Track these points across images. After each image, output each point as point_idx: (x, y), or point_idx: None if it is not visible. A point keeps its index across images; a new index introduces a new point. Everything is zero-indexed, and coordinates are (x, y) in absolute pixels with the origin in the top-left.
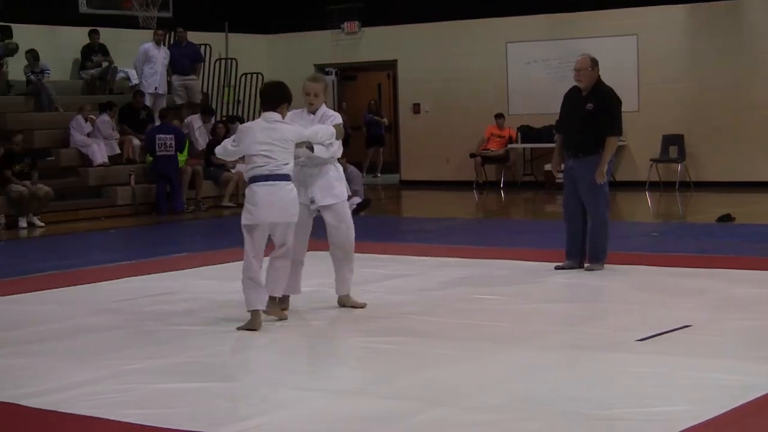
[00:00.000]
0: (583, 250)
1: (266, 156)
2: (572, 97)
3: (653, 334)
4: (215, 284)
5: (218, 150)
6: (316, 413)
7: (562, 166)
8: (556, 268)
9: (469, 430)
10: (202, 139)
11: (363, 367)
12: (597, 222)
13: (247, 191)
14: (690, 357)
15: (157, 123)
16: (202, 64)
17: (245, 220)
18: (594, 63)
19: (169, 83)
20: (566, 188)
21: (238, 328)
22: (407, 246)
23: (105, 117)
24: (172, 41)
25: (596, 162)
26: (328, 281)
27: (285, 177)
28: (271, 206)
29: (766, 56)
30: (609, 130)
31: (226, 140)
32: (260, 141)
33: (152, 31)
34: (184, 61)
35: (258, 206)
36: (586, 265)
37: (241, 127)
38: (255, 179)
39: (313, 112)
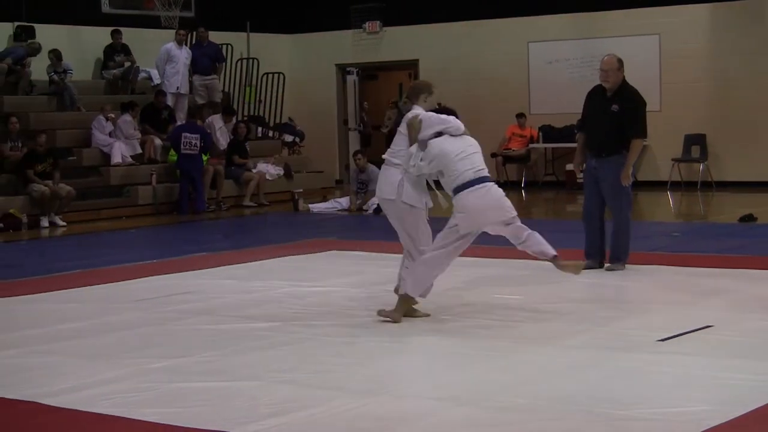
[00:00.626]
0: (602, 249)
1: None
2: (596, 97)
3: (675, 334)
4: (235, 284)
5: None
6: (335, 413)
7: (584, 165)
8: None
9: (491, 430)
10: (223, 139)
11: (383, 366)
12: (619, 222)
13: (457, 200)
14: (711, 357)
15: (179, 122)
16: (224, 63)
17: (464, 229)
18: (620, 63)
19: (191, 83)
20: (587, 187)
21: (380, 313)
22: None
23: (127, 117)
24: (194, 41)
25: (620, 162)
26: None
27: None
28: (487, 209)
29: None
30: (634, 132)
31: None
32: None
33: (174, 31)
34: (205, 61)
35: (474, 212)
36: (607, 265)
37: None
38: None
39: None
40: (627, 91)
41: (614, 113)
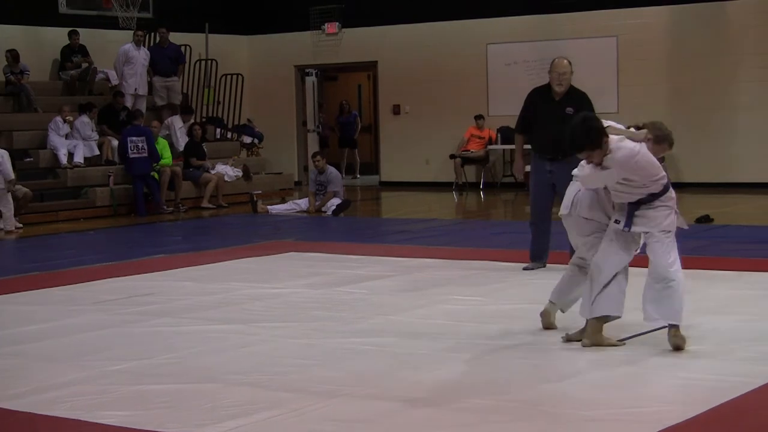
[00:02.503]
0: (548, 251)
1: None
2: (544, 99)
3: (634, 334)
4: (195, 286)
5: None
6: (296, 415)
7: (527, 168)
8: (525, 269)
9: (454, 431)
10: (182, 140)
11: (345, 367)
12: None
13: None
14: (670, 357)
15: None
16: (184, 65)
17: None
18: (572, 67)
19: (151, 84)
20: (539, 191)
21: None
22: (387, 247)
23: (84, 118)
24: (154, 42)
25: (575, 164)
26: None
27: None
28: None
29: (746, 57)
30: None
31: None
32: None
33: (132, 32)
34: (166, 62)
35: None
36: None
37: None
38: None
39: None
40: (577, 93)
41: (570, 116)
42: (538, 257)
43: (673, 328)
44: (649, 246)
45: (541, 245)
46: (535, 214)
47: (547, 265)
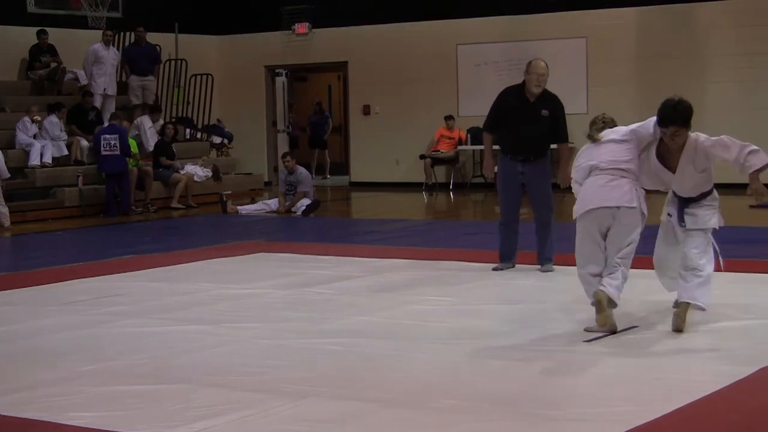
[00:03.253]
0: (516, 251)
1: None
2: (518, 100)
3: (601, 335)
4: (164, 286)
5: None
6: (267, 415)
7: (496, 168)
8: (495, 269)
9: (425, 431)
10: (152, 140)
11: (316, 368)
12: (548, 223)
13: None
14: (637, 357)
15: (107, 124)
16: (160, 64)
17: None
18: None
19: (126, 84)
20: (509, 192)
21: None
22: (357, 247)
23: (53, 118)
24: (129, 41)
25: (547, 165)
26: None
27: None
28: None
29: (715, 59)
30: (566, 136)
31: None
32: None
33: (101, 32)
34: (143, 61)
35: None
36: (546, 266)
37: None
38: None
39: None
40: (551, 95)
41: (545, 118)
42: (507, 258)
43: (682, 306)
44: (689, 238)
45: (511, 246)
46: (505, 214)
47: (516, 265)
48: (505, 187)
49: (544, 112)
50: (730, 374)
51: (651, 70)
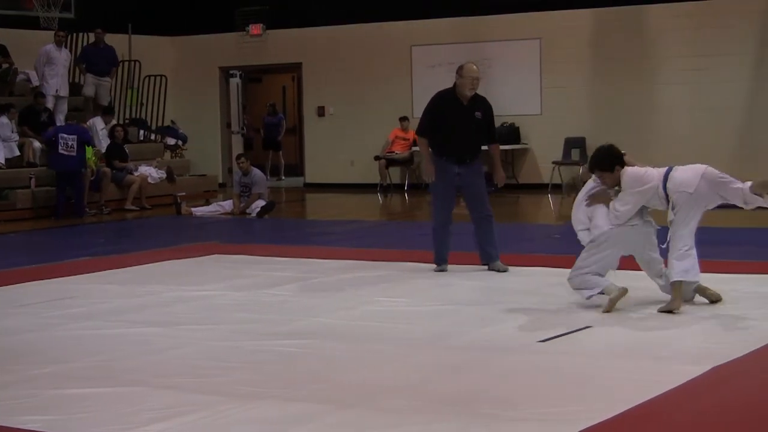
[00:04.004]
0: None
1: None
2: (453, 104)
3: (555, 335)
4: (118, 288)
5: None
6: (219, 417)
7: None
8: (437, 270)
9: None
10: (104, 142)
11: (269, 370)
12: (491, 222)
13: None
14: (590, 358)
15: (59, 125)
16: (117, 67)
17: None
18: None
19: (79, 85)
20: (445, 194)
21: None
22: (312, 249)
23: (4, 119)
24: (82, 42)
25: (481, 166)
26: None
27: None
28: None
29: (667, 60)
30: (496, 137)
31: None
32: None
33: (53, 32)
34: (102, 62)
35: None
36: (497, 264)
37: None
38: None
39: None
40: (481, 98)
41: (479, 120)
42: (444, 260)
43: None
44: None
45: (447, 248)
46: (441, 217)
47: (449, 266)
48: (442, 190)
49: (478, 115)
50: (683, 373)
51: (604, 72)
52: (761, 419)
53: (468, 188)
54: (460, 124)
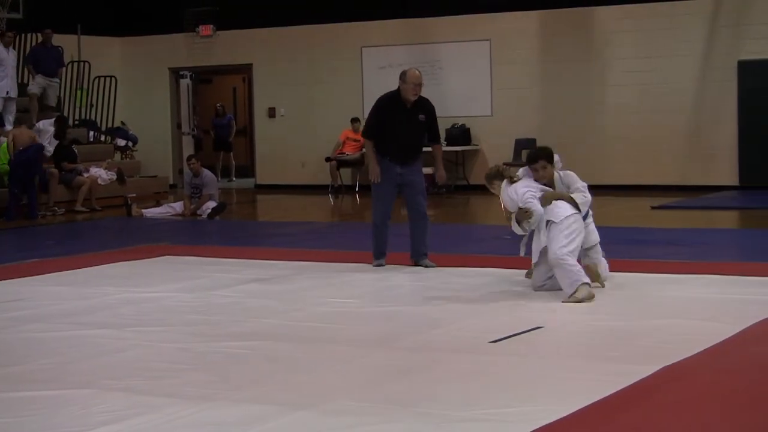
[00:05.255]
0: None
1: None
2: (396, 108)
3: (506, 336)
4: (68, 290)
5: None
6: (171, 419)
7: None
8: (375, 265)
9: None
10: (51, 145)
11: (220, 371)
12: (426, 221)
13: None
14: (542, 358)
15: (8, 127)
16: (64, 68)
17: None
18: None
19: (25, 86)
20: (386, 193)
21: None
22: (263, 250)
23: None
24: (30, 43)
25: (421, 166)
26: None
27: None
28: None
29: (615, 62)
30: (438, 138)
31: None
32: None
33: (1, 33)
34: (51, 63)
35: None
36: (425, 261)
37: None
38: None
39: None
40: (425, 101)
41: (422, 122)
42: (383, 254)
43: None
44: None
45: (385, 243)
46: (383, 214)
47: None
48: (384, 188)
49: (421, 117)
50: (634, 373)
51: (554, 73)
52: (711, 417)
53: (408, 187)
54: (403, 127)
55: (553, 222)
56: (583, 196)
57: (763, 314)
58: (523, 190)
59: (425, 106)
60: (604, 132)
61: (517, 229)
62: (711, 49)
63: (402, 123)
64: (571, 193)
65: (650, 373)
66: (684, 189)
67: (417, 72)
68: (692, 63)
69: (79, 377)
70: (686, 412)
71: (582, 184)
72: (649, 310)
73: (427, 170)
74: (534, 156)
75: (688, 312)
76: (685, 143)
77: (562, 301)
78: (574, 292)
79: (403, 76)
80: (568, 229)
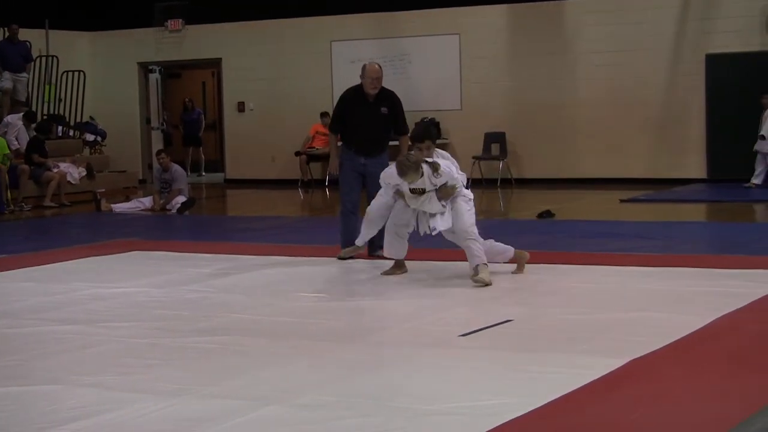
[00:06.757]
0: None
1: None
2: (359, 101)
3: (476, 329)
4: (36, 286)
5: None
6: (140, 415)
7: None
8: (340, 258)
9: (301, 428)
10: (21, 140)
11: (190, 366)
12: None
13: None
14: (511, 351)
15: None
16: (32, 63)
17: None
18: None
19: None
20: (351, 184)
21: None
22: (233, 245)
23: None
24: (2, 37)
25: (386, 158)
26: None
27: None
28: None
29: (584, 56)
30: (405, 130)
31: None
32: None
33: None
34: (18, 58)
35: None
36: (378, 252)
37: None
38: None
39: None
40: (388, 93)
41: (385, 115)
42: (351, 244)
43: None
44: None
45: (353, 233)
46: (348, 204)
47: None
48: (349, 178)
49: (384, 110)
50: (602, 366)
51: (523, 67)
52: (680, 410)
53: (370, 178)
54: (365, 119)
55: (464, 197)
56: (463, 178)
57: (732, 306)
58: (460, 175)
59: (389, 99)
60: (573, 125)
61: (435, 207)
62: (679, 42)
63: (365, 116)
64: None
65: (620, 366)
66: (653, 182)
67: (376, 66)
68: (661, 56)
69: (48, 373)
70: (656, 404)
71: (456, 165)
72: (618, 302)
73: None
74: (420, 136)
75: (657, 304)
76: (654, 137)
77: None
78: (477, 274)
79: (362, 70)
80: (468, 204)
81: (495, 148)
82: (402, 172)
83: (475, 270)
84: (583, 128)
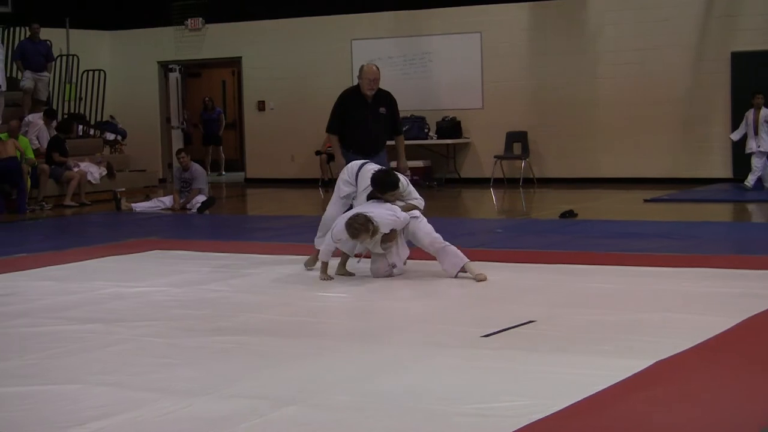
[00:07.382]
0: None
1: None
2: (357, 102)
3: (498, 330)
4: (56, 285)
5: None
6: (160, 415)
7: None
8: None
9: (319, 428)
10: (42, 138)
11: (209, 366)
12: None
13: None
14: (535, 352)
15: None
16: (54, 62)
17: None
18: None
19: (16, 79)
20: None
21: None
22: (252, 244)
23: None
24: (19, 36)
25: (385, 157)
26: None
27: None
28: None
29: (606, 55)
30: (401, 129)
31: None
32: None
33: None
34: (39, 58)
35: None
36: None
37: None
38: None
39: None
40: (385, 93)
41: (384, 115)
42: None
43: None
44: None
45: None
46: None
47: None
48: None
49: (382, 110)
50: (627, 368)
51: (545, 65)
52: (704, 412)
53: None
54: (364, 120)
55: (414, 218)
56: (419, 202)
57: (757, 308)
58: (401, 215)
59: (386, 99)
60: (596, 124)
61: (378, 249)
62: (704, 40)
63: (363, 116)
64: (410, 200)
65: (644, 368)
66: (677, 182)
67: (374, 67)
68: (685, 54)
69: (68, 372)
70: (679, 406)
71: (415, 194)
72: (642, 303)
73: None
74: (384, 189)
75: (681, 306)
76: (678, 135)
77: (455, 275)
78: (473, 273)
79: (360, 71)
80: (417, 219)
81: (517, 148)
82: (354, 235)
83: (465, 269)
84: (606, 127)
